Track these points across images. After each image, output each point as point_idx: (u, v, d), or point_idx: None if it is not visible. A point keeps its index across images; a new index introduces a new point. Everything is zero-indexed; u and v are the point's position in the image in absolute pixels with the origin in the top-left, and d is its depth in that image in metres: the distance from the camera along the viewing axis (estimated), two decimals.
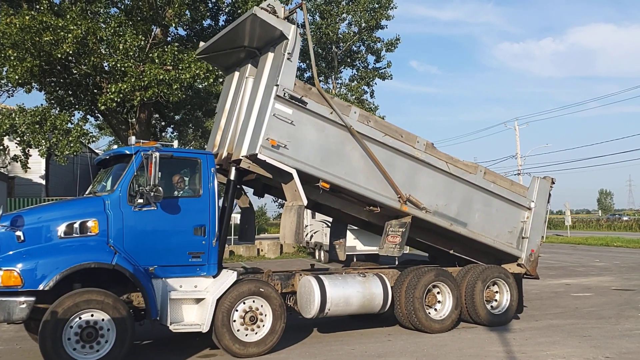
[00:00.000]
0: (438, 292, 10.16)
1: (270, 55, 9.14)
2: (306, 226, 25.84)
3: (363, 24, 30.50)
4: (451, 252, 11.02)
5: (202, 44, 10.59)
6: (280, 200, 35.22)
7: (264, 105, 8.68)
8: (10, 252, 7.40)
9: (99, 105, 18.33)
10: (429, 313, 9.94)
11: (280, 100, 8.54)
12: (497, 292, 10.74)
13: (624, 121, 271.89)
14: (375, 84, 33.08)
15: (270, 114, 8.46)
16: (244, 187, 10.53)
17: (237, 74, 10.34)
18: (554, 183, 11.40)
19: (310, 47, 9.40)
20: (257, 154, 8.37)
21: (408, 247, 21.13)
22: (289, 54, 8.62)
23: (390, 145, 9.54)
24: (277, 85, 8.51)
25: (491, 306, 10.61)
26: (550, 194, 11.35)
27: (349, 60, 32.60)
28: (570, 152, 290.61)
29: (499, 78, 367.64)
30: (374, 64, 33.04)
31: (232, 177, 9.28)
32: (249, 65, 9.86)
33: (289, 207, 8.70)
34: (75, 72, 19.12)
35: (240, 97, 9.70)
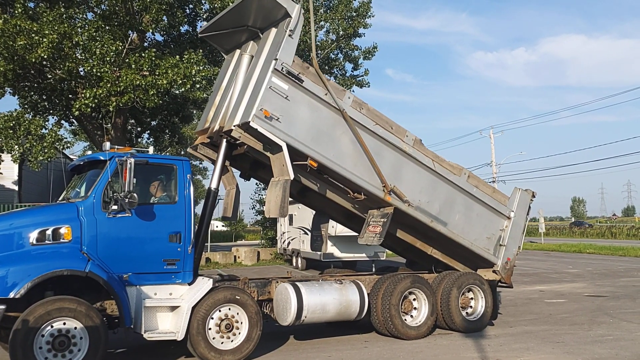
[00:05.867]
0: (414, 299, 10.22)
1: (273, 32, 9.21)
2: (283, 233, 25.78)
3: (341, 32, 30.62)
4: (430, 251, 11.08)
5: (205, 23, 10.54)
6: (258, 206, 35.19)
7: (261, 78, 8.74)
8: None
9: (74, 110, 18.07)
10: (405, 320, 9.99)
11: (278, 74, 8.60)
12: (472, 298, 10.84)
13: (596, 130, 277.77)
14: (353, 91, 33.20)
15: (266, 86, 8.51)
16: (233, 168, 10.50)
17: (237, 53, 10.34)
18: (534, 196, 11.58)
19: (312, 27, 9.52)
20: (249, 121, 8.38)
21: (385, 253, 21.32)
22: (290, 30, 8.71)
23: (380, 134, 9.62)
24: (276, 59, 8.58)
25: (466, 313, 10.70)
26: (530, 207, 11.54)
27: (326, 67, 32.67)
28: (544, 160, 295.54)
29: (473, 87, 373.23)
30: (352, 71, 33.21)
31: (221, 152, 9.27)
32: (250, 43, 9.91)
33: (275, 181, 8.68)
34: (50, 76, 18.82)
35: (237, 73, 9.70)
